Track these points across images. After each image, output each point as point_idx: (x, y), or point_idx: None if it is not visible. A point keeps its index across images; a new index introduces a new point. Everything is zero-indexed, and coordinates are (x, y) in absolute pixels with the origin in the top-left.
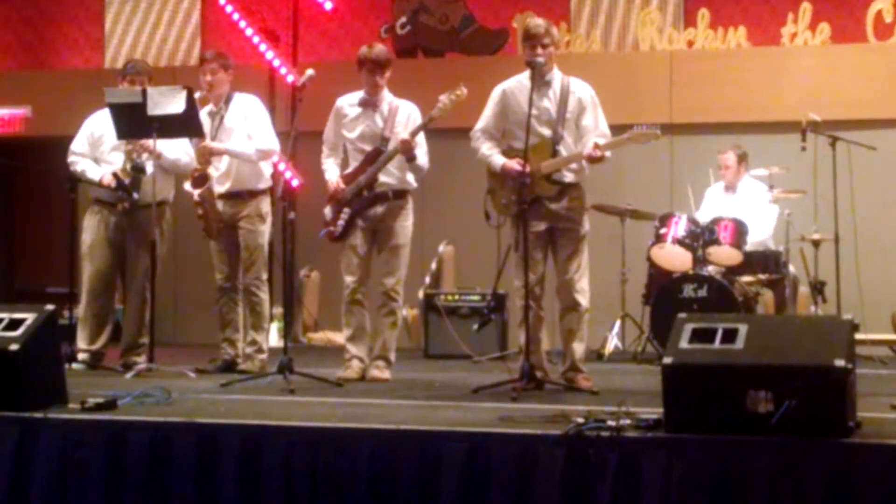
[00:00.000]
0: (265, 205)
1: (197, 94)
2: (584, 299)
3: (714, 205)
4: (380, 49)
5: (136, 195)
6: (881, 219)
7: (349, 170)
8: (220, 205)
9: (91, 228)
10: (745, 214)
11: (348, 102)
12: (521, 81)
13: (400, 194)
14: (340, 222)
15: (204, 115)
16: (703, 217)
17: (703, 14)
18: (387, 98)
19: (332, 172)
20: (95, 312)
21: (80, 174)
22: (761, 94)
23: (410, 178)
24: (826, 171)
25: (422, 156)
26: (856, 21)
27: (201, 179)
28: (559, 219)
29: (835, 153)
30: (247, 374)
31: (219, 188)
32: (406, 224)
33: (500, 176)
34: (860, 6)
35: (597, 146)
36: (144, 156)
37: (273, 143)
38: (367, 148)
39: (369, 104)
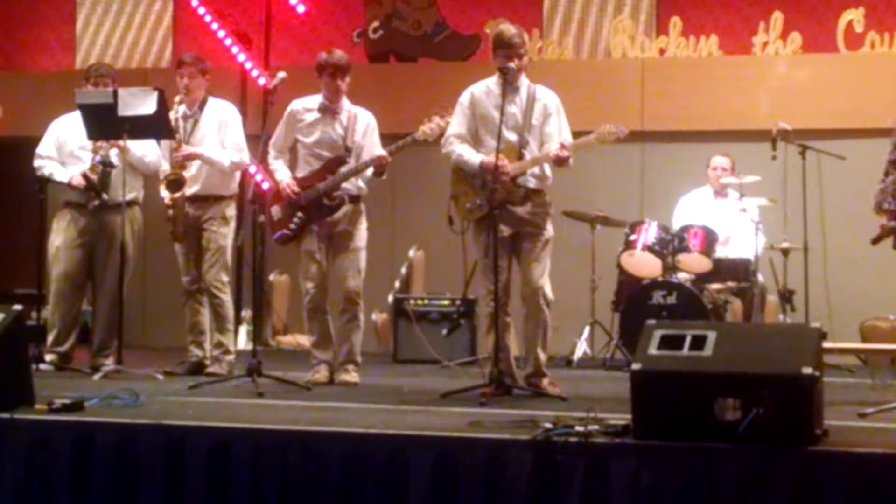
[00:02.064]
0: (230, 209)
1: (178, 98)
2: (548, 303)
3: (701, 210)
4: (340, 54)
5: (105, 196)
6: (850, 228)
7: (303, 174)
8: (185, 206)
9: (60, 231)
10: (737, 223)
11: (304, 106)
12: (488, 86)
13: (355, 199)
14: (293, 226)
15: (179, 119)
16: (690, 222)
17: (675, 22)
18: (346, 105)
19: (282, 173)
20: (63, 314)
21: (48, 177)
22: (733, 102)
23: (362, 183)
24: (796, 181)
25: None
26: (827, 31)
27: (177, 184)
28: (523, 223)
29: (805, 162)
30: (215, 377)
31: (187, 190)
32: (362, 228)
33: (465, 181)
34: (831, 16)
35: (563, 146)
36: (112, 151)
37: (246, 156)
38: (325, 154)
39: (328, 110)
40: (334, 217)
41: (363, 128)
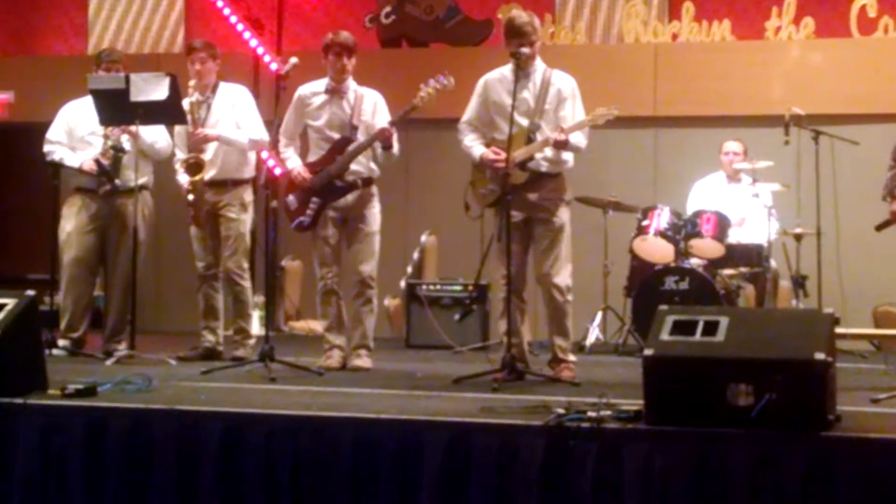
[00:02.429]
0: (247, 194)
1: (192, 82)
2: (561, 292)
3: (715, 195)
4: (345, 34)
5: (117, 181)
6: (863, 214)
7: (314, 158)
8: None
9: (71, 216)
10: (750, 208)
11: (311, 90)
12: (502, 73)
13: (368, 182)
14: (309, 212)
15: (187, 104)
16: (703, 207)
17: (688, 7)
18: (352, 86)
19: (294, 161)
20: (76, 299)
21: (58, 162)
22: (745, 87)
23: (374, 165)
24: (809, 166)
25: (395, 146)
26: (840, 16)
27: (196, 167)
28: (534, 208)
29: (818, 147)
30: (235, 361)
31: (204, 175)
32: (375, 211)
33: (480, 167)
34: (844, 1)
35: (560, 129)
36: (123, 136)
37: (264, 133)
38: (334, 135)
39: (335, 91)
40: (348, 200)
41: (370, 107)
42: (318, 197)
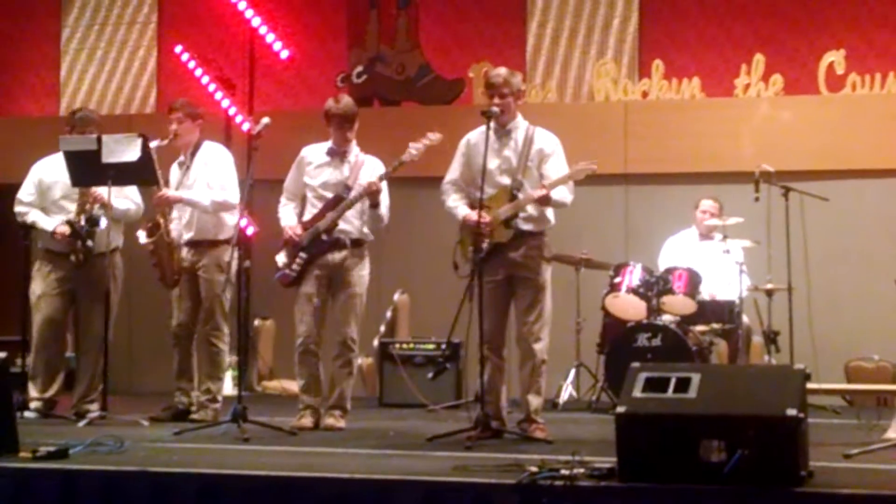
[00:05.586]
0: (226, 255)
1: (154, 144)
2: (540, 350)
3: (686, 252)
4: (347, 102)
5: (90, 242)
6: (834, 269)
7: (308, 217)
8: (183, 251)
9: (40, 278)
10: (721, 265)
11: (314, 151)
12: (482, 132)
13: (357, 243)
14: (295, 266)
15: (175, 166)
16: (675, 263)
17: (658, 65)
18: (354, 150)
19: (288, 218)
20: (47, 360)
21: (31, 224)
22: (715, 144)
23: (366, 230)
24: (779, 222)
25: (384, 207)
26: (808, 73)
27: (153, 229)
28: (517, 267)
29: (787, 204)
30: (200, 423)
31: (184, 235)
32: (363, 273)
33: (468, 227)
34: (812, 58)
35: (542, 185)
36: (97, 207)
37: (231, 195)
38: (329, 195)
39: (336, 154)
40: (335, 258)
41: (369, 174)
42: (304, 252)
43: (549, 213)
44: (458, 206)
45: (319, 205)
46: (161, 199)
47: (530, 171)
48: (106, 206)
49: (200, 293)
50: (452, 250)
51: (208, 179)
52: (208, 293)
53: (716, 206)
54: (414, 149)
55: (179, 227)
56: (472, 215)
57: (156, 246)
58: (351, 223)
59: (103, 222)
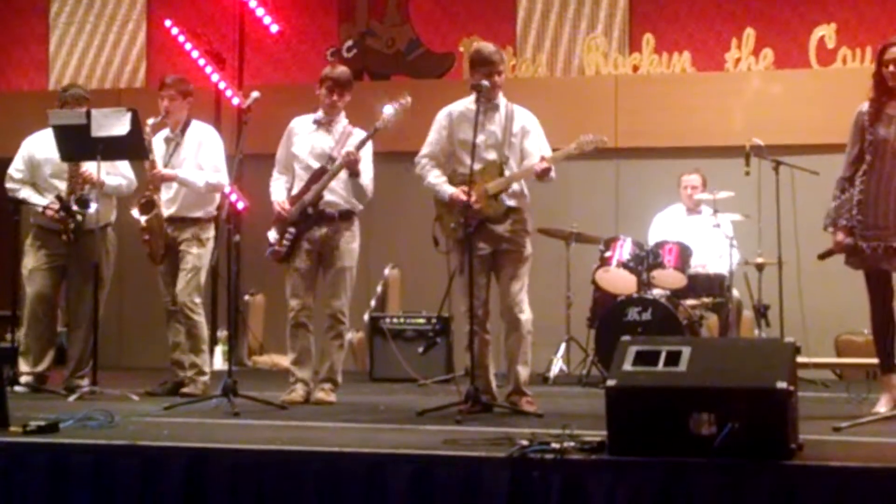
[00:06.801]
0: (206, 231)
1: (151, 121)
2: (526, 320)
3: (675, 227)
4: (342, 70)
5: (80, 217)
6: (824, 243)
7: (296, 190)
8: (164, 228)
9: (32, 253)
10: (710, 239)
11: (302, 121)
12: (467, 106)
13: (346, 215)
14: (286, 242)
15: (159, 139)
16: (665, 238)
17: (648, 39)
18: (342, 121)
19: (278, 193)
20: (38, 335)
21: (21, 200)
22: (706, 118)
23: (355, 200)
24: (770, 196)
25: (366, 178)
26: (799, 47)
27: (148, 206)
28: (502, 241)
29: (778, 178)
30: (190, 397)
31: (165, 211)
32: (352, 246)
33: (447, 202)
34: (803, 32)
35: (544, 158)
36: (87, 187)
37: (223, 177)
38: (315, 166)
39: (323, 123)
40: (323, 232)
41: (355, 143)
42: (293, 227)
43: (525, 188)
44: (439, 183)
45: (306, 177)
46: (157, 176)
47: (514, 147)
48: (95, 184)
49: (179, 266)
50: (431, 226)
51: (201, 161)
52: (185, 265)
53: (699, 180)
54: (387, 114)
55: (161, 202)
56: (459, 194)
57: (149, 223)
58: (338, 194)
59: (93, 206)
